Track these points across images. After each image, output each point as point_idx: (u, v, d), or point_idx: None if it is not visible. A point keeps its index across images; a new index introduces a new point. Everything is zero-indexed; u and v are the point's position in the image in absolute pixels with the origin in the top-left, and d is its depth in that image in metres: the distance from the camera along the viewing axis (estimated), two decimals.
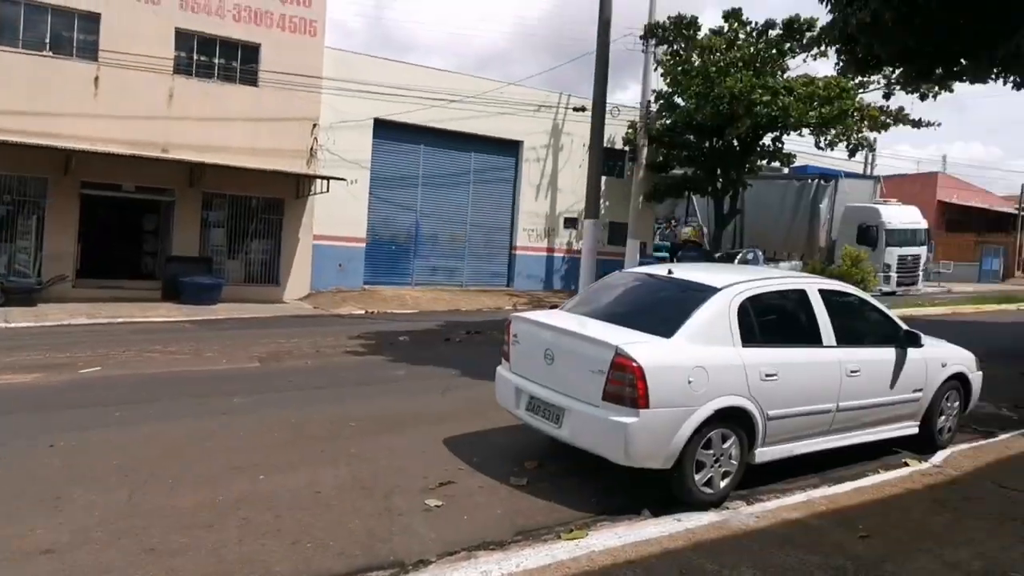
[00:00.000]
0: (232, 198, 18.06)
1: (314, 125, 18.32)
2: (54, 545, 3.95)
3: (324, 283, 19.49)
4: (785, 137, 21.52)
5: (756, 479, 5.25)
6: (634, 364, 4.36)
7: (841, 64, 9.98)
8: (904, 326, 5.85)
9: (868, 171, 33.57)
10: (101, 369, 8.80)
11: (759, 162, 22.77)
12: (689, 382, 4.51)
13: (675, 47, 18.95)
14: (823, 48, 15.36)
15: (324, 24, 18.37)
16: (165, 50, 16.32)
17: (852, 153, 20.32)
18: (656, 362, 4.44)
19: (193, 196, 17.53)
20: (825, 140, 19.77)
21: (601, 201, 24.21)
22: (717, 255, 23.32)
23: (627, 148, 23.15)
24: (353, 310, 16.99)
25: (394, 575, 3.83)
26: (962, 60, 8.58)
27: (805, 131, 20.10)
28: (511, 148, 22.81)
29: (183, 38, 16.73)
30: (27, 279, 15.64)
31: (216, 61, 17.19)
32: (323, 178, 17.91)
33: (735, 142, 20.64)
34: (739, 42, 19.63)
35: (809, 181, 26.46)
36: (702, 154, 22.09)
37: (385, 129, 20.04)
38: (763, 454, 5.05)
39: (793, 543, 4.25)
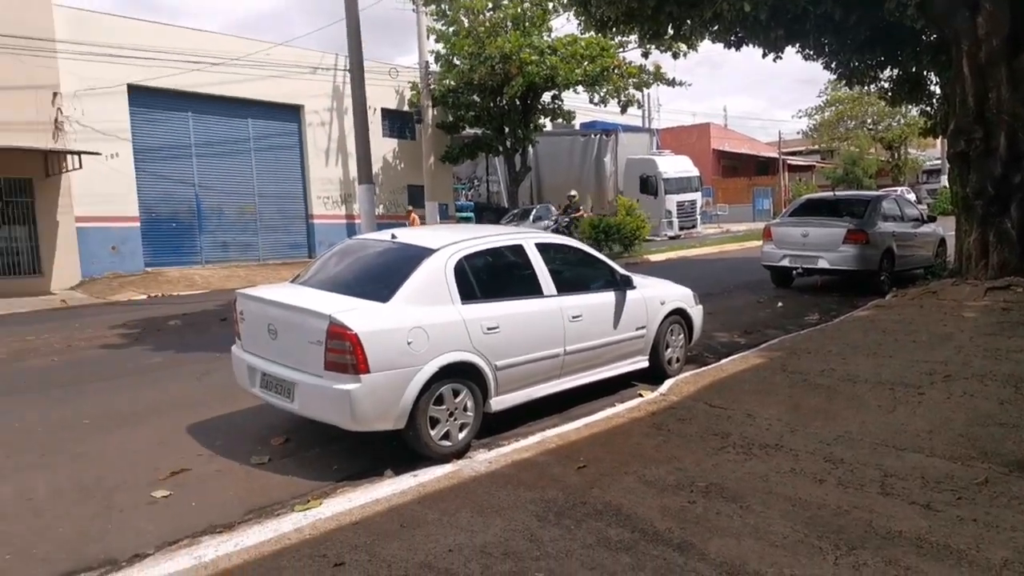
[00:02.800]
0: None
1: (55, 94, 16.42)
2: None
3: (98, 269, 17.80)
4: (565, 95, 22.49)
5: (504, 426, 5.57)
6: (349, 331, 4.41)
7: (580, 24, 10.53)
8: (621, 271, 6.40)
9: (648, 125, 35.98)
10: None
11: (541, 120, 23.62)
12: (408, 343, 4.64)
13: (442, 7, 19.00)
14: (563, 8, 16.18)
15: None
16: None
17: (624, 108, 21.67)
18: (372, 327, 4.52)
19: None
20: (598, 97, 20.88)
21: (396, 164, 24.12)
22: (514, 211, 24.05)
23: (413, 110, 23.06)
24: (133, 296, 15.72)
25: (106, 572, 3.65)
26: (682, 22, 9.40)
27: (580, 88, 21.10)
28: (291, 113, 21.91)
29: None
30: None
31: None
32: (73, 153, 16.17)
33: (517, 101, 21.23)
34: (504, 2, 20.07)
35: (592, 136, 27.90)
36: (488, 114, 22.52)
37: (143, 96, 18.42)
38: (500, 402, 5.33)
39: (516, 482, 4.55)
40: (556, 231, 17.95)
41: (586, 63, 20.01)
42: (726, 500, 4.07)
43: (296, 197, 22.56)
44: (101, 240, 17.89)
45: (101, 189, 17.41)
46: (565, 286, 5.76)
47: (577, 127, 29.10)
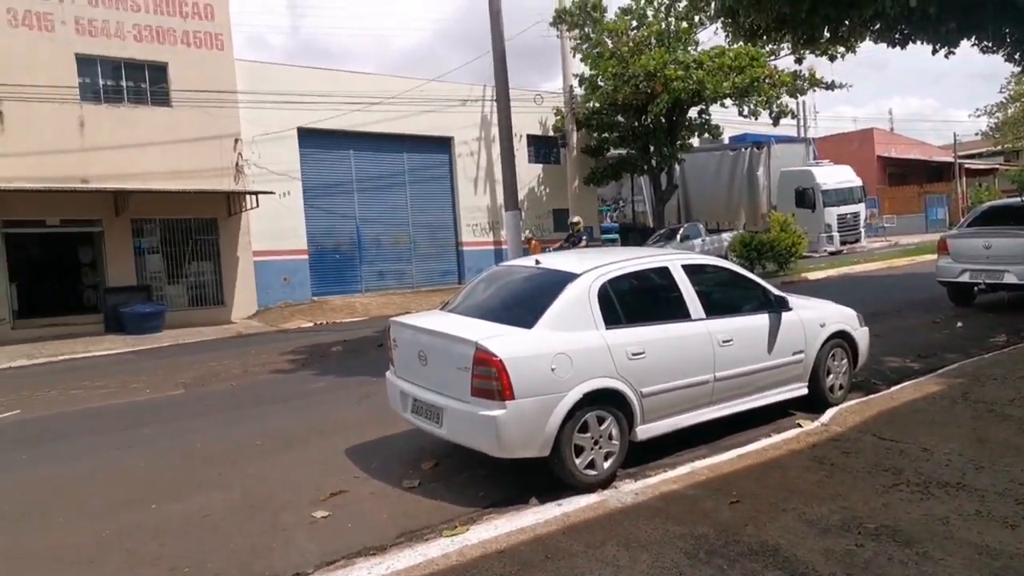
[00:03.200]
0: (163, 222, 17.87)
1: (236, 140, 18.15)
2: None
3: (271, 298, 19.39)
4: (713, 109, 21.85)
5: (651, 455, 5.40)
6: (494, 358, 4.46)
7: (728, 35, 10.17)
8: (775, 291, 6.03)
9: (803, 134, 34.18)
10: (20, 412, 8.69)
11: (687, 136, 23.09)
12: (553, 369, 4.61)
13: (585, 30, 19.13)
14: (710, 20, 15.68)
15: (231, 37, 18.19)
16: (69, 78, 16.02)
17: (776, 120, 20.72)
18: (517, 353, 4.54)
19: (121, 224, 17.28)
20: (748, 109, 20.12)
21: (541, 189, 24.46)
22: (661, 231, 23.61)
23: (558, 134, 23.30)
24: (302, 323, 16.92)
25: None
26: (840, 24, 8.81)
27: (728, 102, 20.44)
28: (443, 145, 22.84)
29: (85, 64, 16.47)
30: None
31: (124, 84, 16.98)
32: (251, 193, 17.76)
33: (662, 119, 20.90)
34: (648, 19, 19.87)
35: (743, 149, 26.89)
36: (632, 133, 22.33)
37: (311, 137, 19.95)
38: (646, 431, 5.18)
39: (664, 515, 4.38)
40: None
41: (734, 75, 19.37)
42: (899, 544, 3.68)
43: (447, 226, 23.43)
44: (274, 272, 19.48)
45: (274, 226, 19.00)
46: (714, 309, 5.52)
47: (726, 141, 28.17)
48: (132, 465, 6.15)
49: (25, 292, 17.14)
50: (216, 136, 17.70)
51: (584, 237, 17.41)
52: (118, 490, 5.50)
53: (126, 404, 8.82)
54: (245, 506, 5.02)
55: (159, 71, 17.20)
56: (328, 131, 19.99)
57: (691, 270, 5.55)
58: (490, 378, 4.51)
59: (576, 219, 18.30)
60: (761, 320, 5.81)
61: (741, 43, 16.18)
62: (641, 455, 5.35)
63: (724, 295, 5.89)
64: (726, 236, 22.31)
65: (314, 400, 8.33)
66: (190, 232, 18.21)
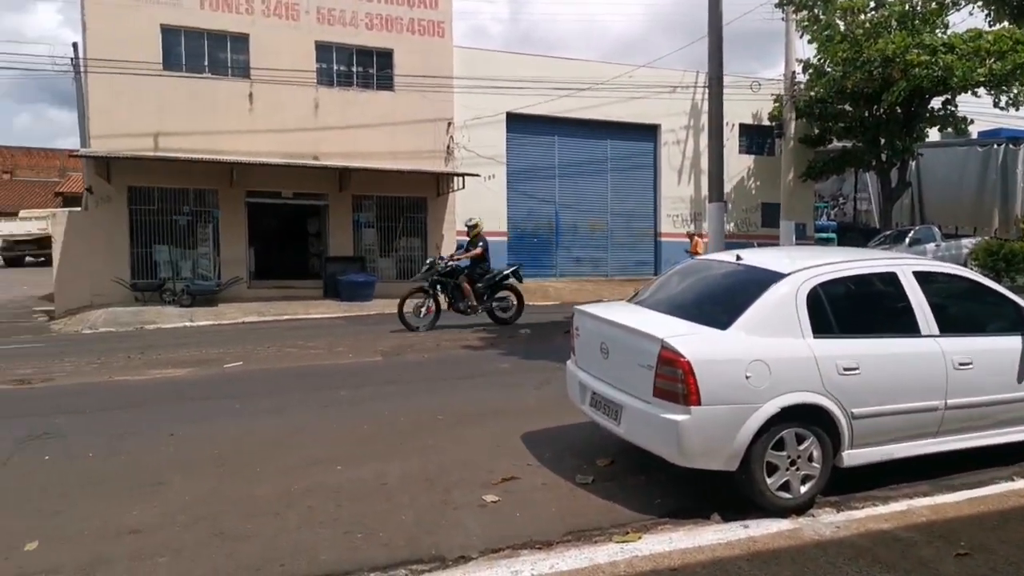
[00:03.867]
0: (379, 199, 19.12)
1: (449, 124, 18.93)
2: (142, 526, 4.36)
3: None
4: (961, 98, 19.19)
5: (857, 484, 4.75)
6: (681, 358, 4.09)
7: (989, 14, 8.70)
8: None
9: None
10: (243, 364, 9.65)
11: (926, 129, 20.48)
12: (747, 377, 4.15)
13: (814, 11, 17.48)
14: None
15: (451, 25, 18.95)
16: (308, 63, 17.56)
17: None
18: (706, 356, 4.13)
19: (343, 199, 18.71)
20: (1007, 99, 17.39)
21: (750, 181, 23.06)
22: (887, 232, 21.29)
23: (774, 123, 21.74)
24: None
25: (433, 569, 3.86)
26: None
27: (980, 91, 17.79)
28: (648, 132, 22.27)
29: (323, 50, 17.95)
30: (208, 282, 17.44)
31: (354, 70, 18.32)
32: (460, 175, 18.46)
33: (898, 109, 18.71)
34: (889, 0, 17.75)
35: (996, 146, 23.41)
36: (860, 124, 20.25)
37: (518, 123, 20.32)
38: (854, 457, 4.53)
39: (869, 557, 3.79)
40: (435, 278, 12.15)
41: (992, 60, 16.78)
42: None
43: (646, 215, 22.87)
44: None
45: (478, 207, 19.53)
46: (951, 325, 4.70)
47: (974, 136, 24.72)
48: (326, 425, 6.53)
49: (260, 256, 19.17)
50: (432, 119, 18.59)
51: (481, 244, 12.61)
52: (311, 448, 5.83)
53: (330, 366, 9.48)
54: (420, 479, 5.08)
55: (385, 57, 18.39)
56: (535, 117, 20.26)
57: (924, 278, 4.75)
58: (675, 380, 4.15)
59: (473, 220, 13.10)
60: (1011, 343, 4.86)
61: (1005, 23, 13.97)
62: (846, 483, 4.70)
63: (965, 310, 5.00)
64: (967, 242, 19.57)
65: (496, 380, 8.39)
66: (402, 209, 19.32)
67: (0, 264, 35.13)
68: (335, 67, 18.21)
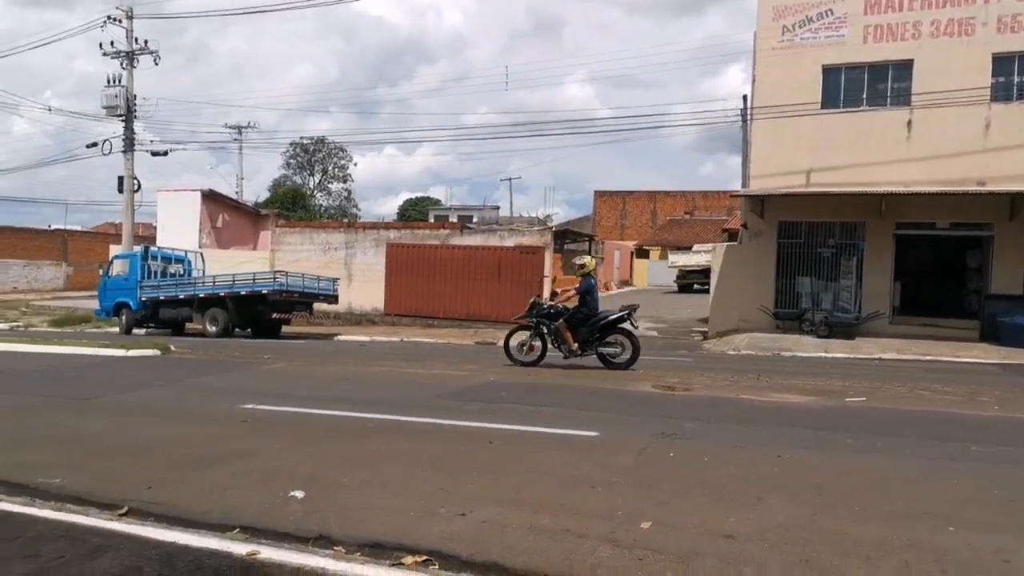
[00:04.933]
0: None
1: None
2: (735, 533, 4.62)
3: None
4: None
5: None
6: None
7: None
8: None
9: None
10: (865, 400, 9.20)
11: None
12: None
13: None
14: None
15: None
16: (981, 80, 15.59)
17: None
18: None
19: (1015, 229, 16.01)
20: None
21: None
22: None
23: None
24: None
25: None
26: None
27: None
28: None
29: (1001, 63, 15.64)
30: (847, 315, 17.29)
31: None
32: None
33: None
34: None
35: None
36: None
37: None
38: None
39: None
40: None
41: None
42: None
43: None
44: None
45: None
46: None
47: None
48: (946, 479, 5.70)
49: (906, 291, 17.89)
50: None
51: (576, 288, 12.24)
52: (923, 500, 5.19)
53: (966, 416, 8.22)
54: None
55: None
56: None
57: None
58: None
59: (583, 260, 12.55)
60: None
61: None
62: None
63: None
64: None
65: None
66: None
67: (674, 290, 41.69)
68: (1016, 79, 15.73)
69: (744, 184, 18.86)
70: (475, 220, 44.67)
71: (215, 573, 3.61)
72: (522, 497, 5.01)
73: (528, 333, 12.08)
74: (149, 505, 4.80)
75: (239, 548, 3.95)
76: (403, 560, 3.86)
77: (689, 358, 14.56)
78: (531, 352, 12.03)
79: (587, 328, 11.62)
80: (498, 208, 62.59)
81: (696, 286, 38.86)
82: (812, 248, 17.85)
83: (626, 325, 11.78)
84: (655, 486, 5.45)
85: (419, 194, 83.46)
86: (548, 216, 54.17)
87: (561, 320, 11.67)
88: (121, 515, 4.60)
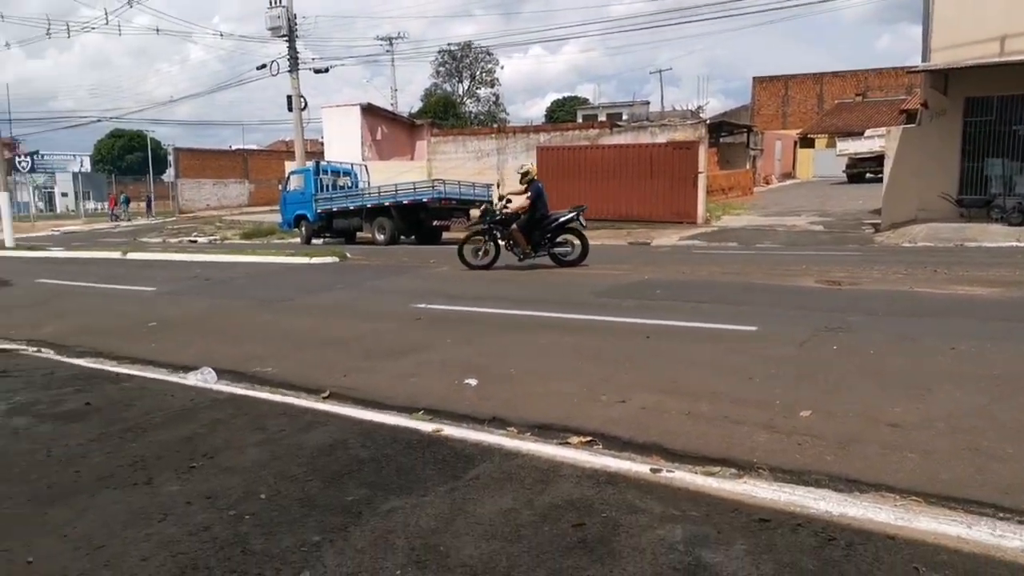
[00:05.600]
0: None
1: None
2: (900, 422, 4.59)
3: None
4: None
5: None
6: None
7: None
8: None
9: None
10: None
11: None
12: None
13: None
14: None
15: None
16: None
17: None
18: None
19: None
20: None
21: None
22: None
23: None
24: None
25: None
26: None
27: None
28: None
29: None
30: None
31: None
32: None
33: None
34: None
35: None
36: None
37: None
38: None
39: None
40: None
41: None
42: None
43: None
44: None
45: None
46: None
47: None
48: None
49: None
50: None
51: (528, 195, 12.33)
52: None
53: None
54: None
55: None
56: None
57: None
58: None
59: (525, 167, 12.78)
60: None
61: None
62: None
63: None
64: None
65: None
66: None
67: (843, 181, 38.79)
68: None
69: (924, 58, 16.93)
70: (624, 117, 43.38)
71: (407, 445, 4.16)
72: (679, 386, 5.23)
73: (483, 239, 12.66)
74: (346, 390, 5.51)
75: (425, 426, 4.49)
76: (569, 440, 4.23)
77: (858, 252, 13.79)
78: (485, 256, 12.61)
79: (539, 231, 12.26)
80: (648, 103, 60.40)
81: (868, 175, 35.96)
82: (1005, 126, 15.89)
83: (575, 225, 12.37)
84: (816, 377, 5.45)
85: (566, 94, 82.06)
86: (701, 108, 51.57)
87: (514, 225, 12.24)
88: (324, 398, 5.33)
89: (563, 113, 65.87)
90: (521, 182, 12.48)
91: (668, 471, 3.64)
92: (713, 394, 5.00)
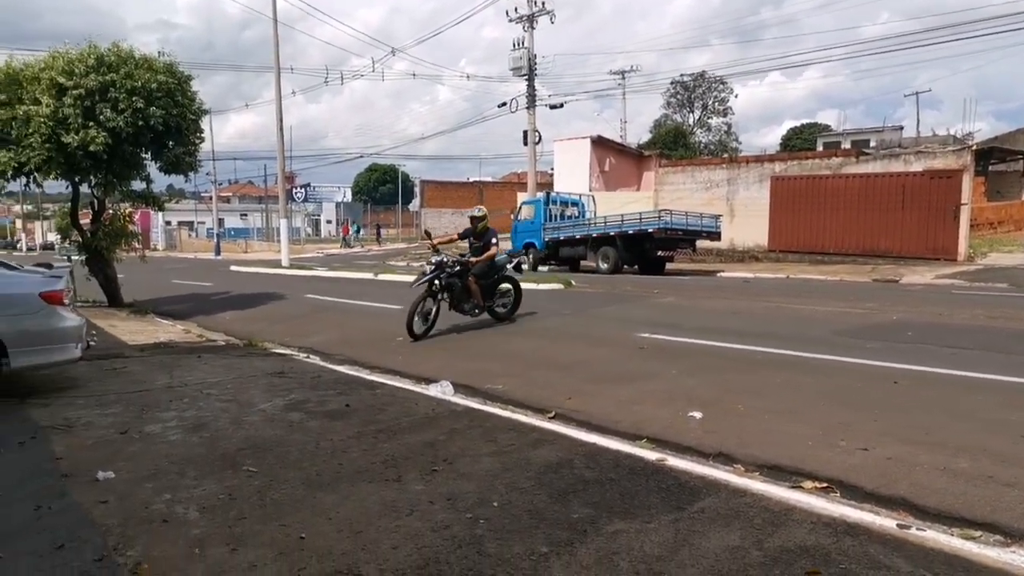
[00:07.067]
0: None
1: None
2: None
3: None
4: None
5: None
6: None
7: None
8: None
9: None
10: None
11: None
12: None
13: None
14: None
15: None
16: None
17: None
18: None
19: None
20: None
21: None
22: None
23: None
24: None
25: None
26: None
27: None
28: None
29: None
30: None
31: None
32: None
33: None
34: None
35: None
36: None
37: None
38: None
39: None
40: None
41: None
42: None
43: None
44: None
45: None
46: None
47: None
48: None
49: None
50: None
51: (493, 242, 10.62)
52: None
53: None
54: None
55: None
56: None
57: None
58: None
59: (482, 210, 10.90)
60: None
61: None
62: None
63: None
64: None
65: None
66: None
67: None
68: None
69: None
70: (872, 144, 39.93)
71: (631, 471, 4.19)
72: (933, 438, 4.72)
73: (430, 299, 10.00)
74: (571, 412, 5.67)
75: (649, 454, 4.50)
76: (802, 484, 4.01)
77: None
78: (425, 322, 9.84)
79: (487, 281, 10.60)
80: (901, 128, 54.94)
81: None
82: None
83: (512, 273, 11.06)
84: None
85: (804, 120, 77.43)
86: (970, 135, 45.92)
87: (469, 276, 10.26)
88: (550, 418, 5.53)
89: (800, 141, 62.20)
90: (477, 229, 10.64)
91: (919, 529, 3.32)
92: (975, 450, 4.46)
